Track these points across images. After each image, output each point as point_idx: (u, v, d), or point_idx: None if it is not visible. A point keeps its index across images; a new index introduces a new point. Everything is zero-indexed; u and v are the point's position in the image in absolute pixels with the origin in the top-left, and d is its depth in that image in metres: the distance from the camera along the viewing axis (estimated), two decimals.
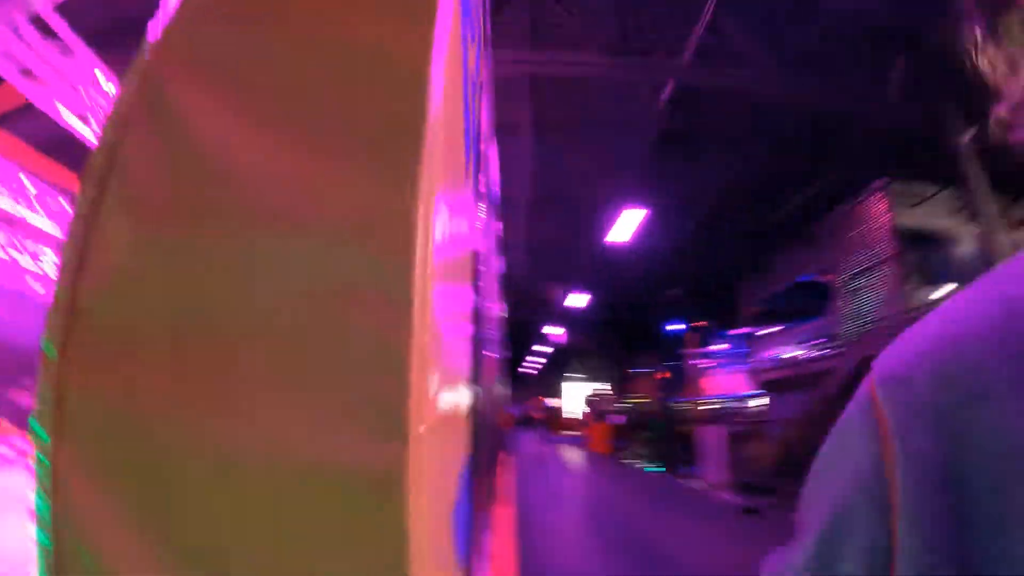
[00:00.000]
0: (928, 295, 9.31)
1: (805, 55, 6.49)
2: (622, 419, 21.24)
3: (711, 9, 5.97)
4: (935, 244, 9.54)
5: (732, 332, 17.01)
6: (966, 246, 9.18)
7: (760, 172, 9.38)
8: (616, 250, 12.19)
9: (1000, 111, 0.39)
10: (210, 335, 0.67)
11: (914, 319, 0.41)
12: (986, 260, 7.53)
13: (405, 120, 0.72)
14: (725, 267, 14.33)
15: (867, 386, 0.36)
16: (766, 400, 13.68)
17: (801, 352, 12.94)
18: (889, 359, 0.36)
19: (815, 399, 10.29)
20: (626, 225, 10.34)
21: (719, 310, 16.76)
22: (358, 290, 0.66)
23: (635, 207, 9.68)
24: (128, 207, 0.72)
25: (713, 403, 16.62)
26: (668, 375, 22.40)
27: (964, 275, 9.16)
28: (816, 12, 6.10)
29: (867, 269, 9.96)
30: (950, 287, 9.43)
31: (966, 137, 7.03)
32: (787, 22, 6.21)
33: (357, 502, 0.63)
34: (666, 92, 7.14)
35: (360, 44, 0.76)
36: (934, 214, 9.38)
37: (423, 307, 0.67)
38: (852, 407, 0.37)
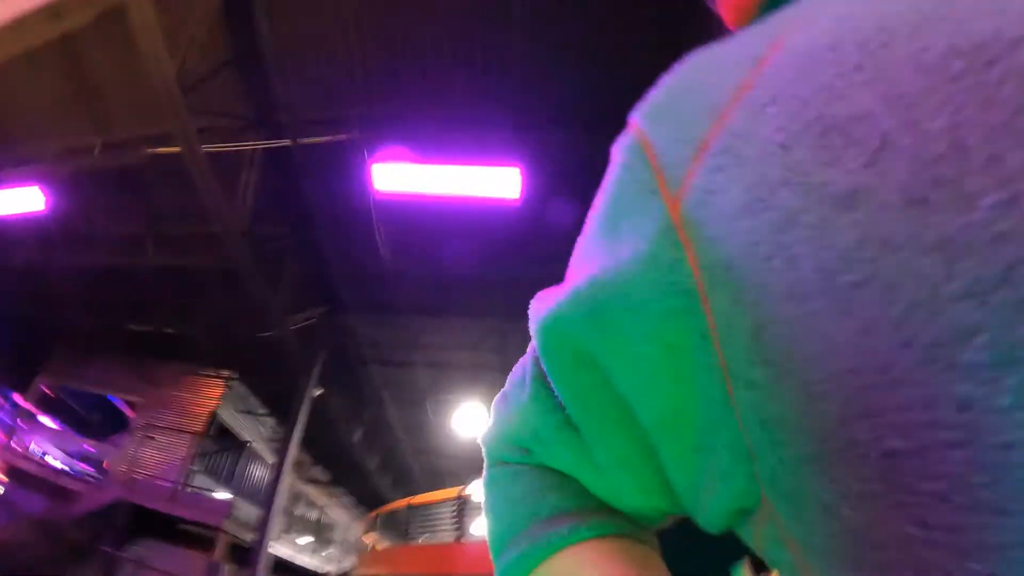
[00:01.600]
0: (198, 481, 9.97)
1: None
2: None
3: None
4: (235, 448, 10.54)
5: (15, 396, 14.28)
6: (255, 468, 10.52)
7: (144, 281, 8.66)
8: None
9: None
10: None
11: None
12: (264, 488, 8.52)
13: None
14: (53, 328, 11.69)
15: (630, 123, 0.35)
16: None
17: (60, 460, 11.88)
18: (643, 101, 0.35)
19: (56, 511, 9.65)
20: None
21: (18, 364, 13.52)
22: None
23: None
24: None
25: None
26: None
27: (234, 484, 10.31)
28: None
29: (168, 429, 10.08)
30: (221, 488, 10.35)
31: (315, 393, 8.39)
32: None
33: None
34: None
35: None
36: (257, 422, 10.57)
37: None
38: (615, 153, 0.35)
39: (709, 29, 3.84)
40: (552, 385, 0.38)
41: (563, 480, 0.42)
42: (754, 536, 0.31)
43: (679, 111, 0.31)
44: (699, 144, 0.28)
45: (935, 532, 0.19)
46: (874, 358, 0.20)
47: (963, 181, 0.19)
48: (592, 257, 0.34)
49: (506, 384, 0.46)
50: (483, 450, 0.49)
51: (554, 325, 0.36)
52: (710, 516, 0.33)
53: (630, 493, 0.39)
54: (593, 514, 0.41)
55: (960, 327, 0.18)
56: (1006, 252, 0.18)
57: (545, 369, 0.38)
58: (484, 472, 0.48)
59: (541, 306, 0.38)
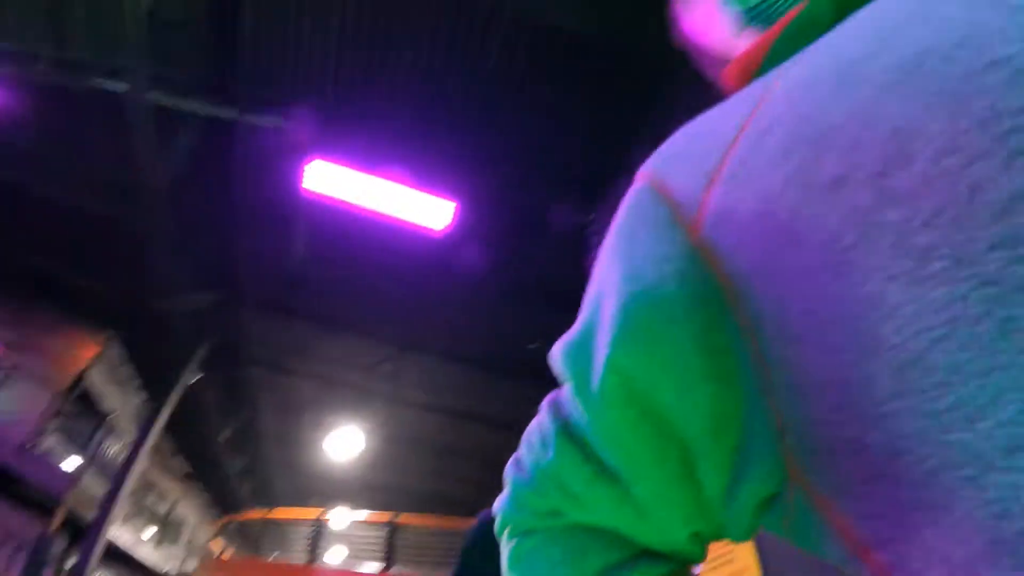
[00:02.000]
0: (51, 443, 9.28)
1: None
2: None
3: None
4: (97, 417, 9.87)
5: None
6: (113, 443, 9.86)
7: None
8: None
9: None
10: None
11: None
12: (117, 467, 7.96)
13: None
14: None
15: (638, 178, 0.38)
16: None
17: None
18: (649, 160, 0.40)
19: None
20: None
21: None
22: None
23: None
24: None
25: None
26: None
27: (88, 455, 9.61)
28: None
29: (31, 378, 9.27)
30: (73, 455, 9.65)
31: (192, 378, 7.96)
32: None
33: None
34: None
35: None
36: (125, 395, 9.94)
37: None
38: (625, 204, 0.39)
39: (661, 95, 4.38)
40: (584, 432, 0.39)
41: (599, 534, 0.43)
42: (783, 519, 0.33)
43: (688, 155, 0.36)
44: (711, 175, 0.33)
45: (954, 410, 0.23)
46: (876, 297, 0.25)
47: (906, 150, 0.26)
48: (613, 292, 0.36)
49: (520, 449, 0.46)
50: (499, 521, 0.48)
51: (602, 363, 0.37)
52: (741, 515, 0.35)
53: (674, 527, 0.40)
54: (637, 561, 0.42)
55: (922, 251, 0.24)
56: (940, 190, 0.24)
57: (583, 413, 0.39)
58: (507, 544, 0.47)
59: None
